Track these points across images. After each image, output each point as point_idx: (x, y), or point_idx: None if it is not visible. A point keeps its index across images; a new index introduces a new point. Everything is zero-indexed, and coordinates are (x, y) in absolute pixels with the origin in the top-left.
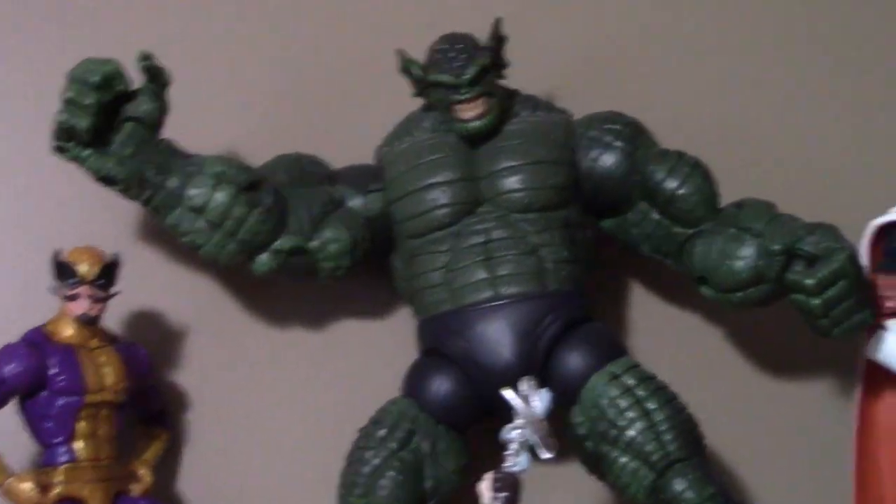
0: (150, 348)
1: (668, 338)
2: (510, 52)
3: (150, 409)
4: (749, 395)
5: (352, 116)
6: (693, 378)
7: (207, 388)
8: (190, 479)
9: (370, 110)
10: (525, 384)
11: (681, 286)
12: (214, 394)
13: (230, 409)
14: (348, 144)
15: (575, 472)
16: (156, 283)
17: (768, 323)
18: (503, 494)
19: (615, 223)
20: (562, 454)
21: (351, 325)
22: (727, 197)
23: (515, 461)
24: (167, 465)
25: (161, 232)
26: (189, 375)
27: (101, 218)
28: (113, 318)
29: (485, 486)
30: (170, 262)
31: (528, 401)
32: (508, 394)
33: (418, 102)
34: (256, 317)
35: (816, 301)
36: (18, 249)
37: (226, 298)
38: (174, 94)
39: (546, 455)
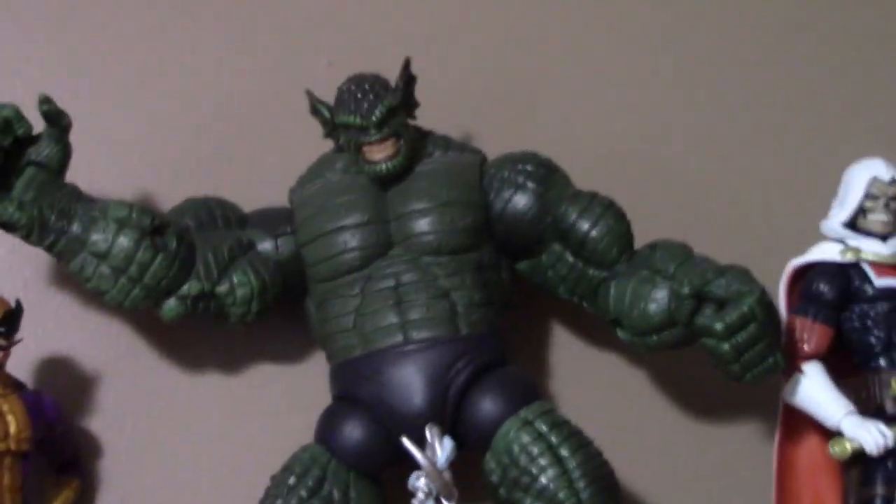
0: (61, 395)
1: (587, 380)
2: (420, 91)
3: (61, 457)
4: (670, 439)
5: (266, 158)
6: (613, 422)
7: (121, 435)
8: None
9: (284, 151)
10: (429, 432)
11: (601, 327)
12: (128, 440)
13: (144, 455)
14: (262, 187)
15: None
16: (66, 329)
17: (690, 365)
18: None
19: (530, 265)
20: (479, 502)
21: (266, 369)
22: (645, 237)
23: None
24: None
25: (70, 277)
26: (102, 421)
27: (4, 263)
28: (22, 365)
29: None
30: (80, 307)
31: (432, 450)
32: (407, 443)
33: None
34: (170, 361)
35: (726, 346)
36: None
37: (139, 343)
38: (81, 137)
39: None
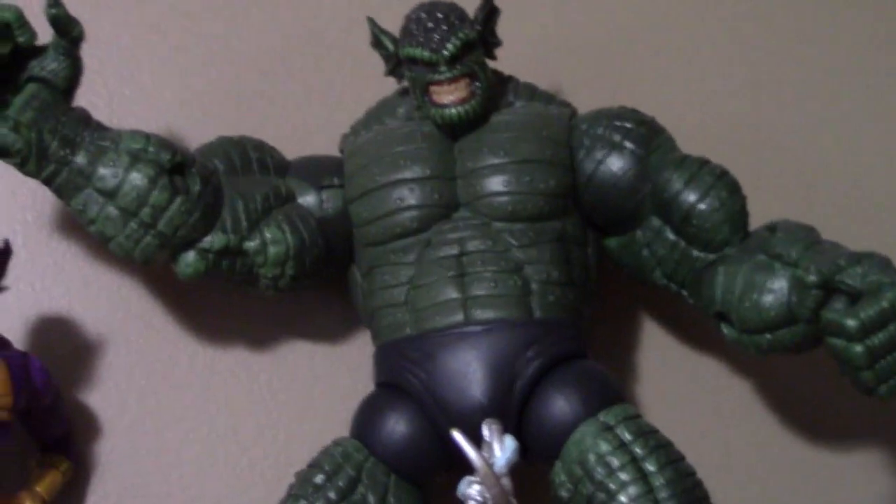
0: (54, 361)
1: (680, 385)
2: (503, 30)
3: (49, 434)
4: (778, 462)
5: (315, 100)
6: (709, 437)
7: (123, 413)
8: None
9: (339, 94)
10: (487, 428)
11: (701, 323)
12: (131, 420)
13: (150, 438)
14: (309, 133)
15: None
16: (67, 285)
17: (805, 372)
18: None
19: (621, 242)
20: None
21: (299, 347)
22: (758, 219)
23: None
24: (69, 502)
25: (79, 225)
26: (101, 397)
27: (2, 204)
28: (11, 322)
29: None
30: (86, 261)
31: (489, 449)
32: (458, 437)
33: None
34: (187, 331)
35: (858, 348)
36: None
37: (151, 306)
38: (102, 61)
39: None
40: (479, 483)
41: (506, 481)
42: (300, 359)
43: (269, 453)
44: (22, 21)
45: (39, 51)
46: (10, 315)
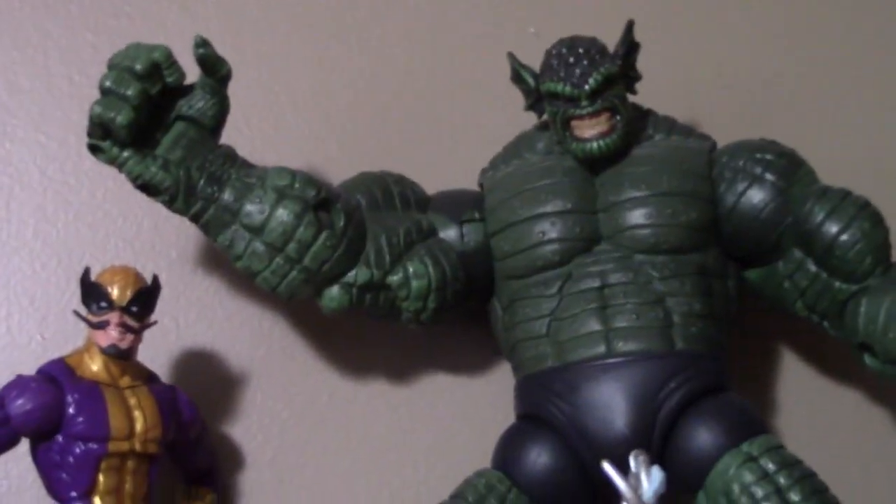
0: (200, 395)
1: (823, 417)
2: (643, 64)
3: (194, 466)
4: None
5: (456, 136)
6: (852, 468)
7: (267, 445)
8: None
9: (475, 128)
10: (634, 459)
11: (844, 354)
12: (274, 451)
13: (292, 470)
14: (450, 168)
15: None
16: (211, 320)
17: None
18: None
19: (762, 274)
20: None
21: (442, 379)
22: None
23: None
24: None
25: (220, 255)
26: (246, 429)
27: (148, 240)
28: (158, 356)
29: None
30: (230, 296)
31: (636, 480)
32: (609, 469)
33: (534, 119)
34: (329, 364)
35: None
36: (43, 267)
37: (294, 340)
38: (245, 100)
39: None
40: None
41: None
42: (440, 391)
43: (410, 485)
44: (171, 61)
45: (187, 90)
46: (156, 350)
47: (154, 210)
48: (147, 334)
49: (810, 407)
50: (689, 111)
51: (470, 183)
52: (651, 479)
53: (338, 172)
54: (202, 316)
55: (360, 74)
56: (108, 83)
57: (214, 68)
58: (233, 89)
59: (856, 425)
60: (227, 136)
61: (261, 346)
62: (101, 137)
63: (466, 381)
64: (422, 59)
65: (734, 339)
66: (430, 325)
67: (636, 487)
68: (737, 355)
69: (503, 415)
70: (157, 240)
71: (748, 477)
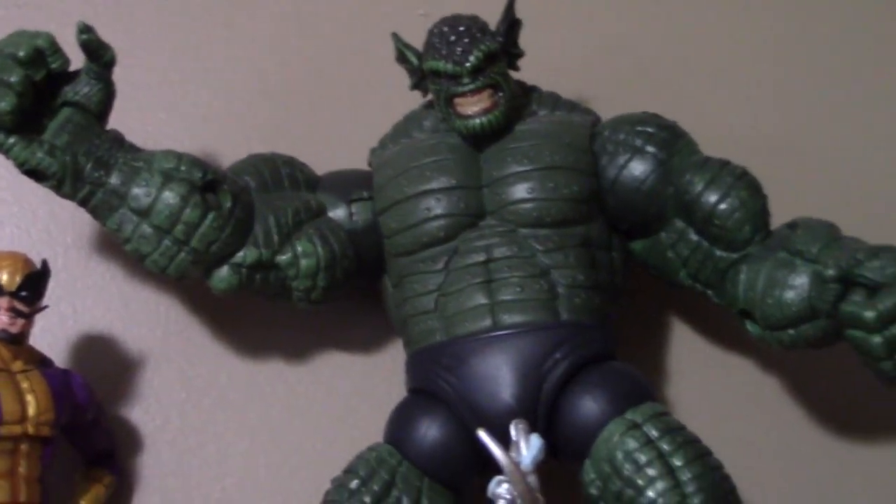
0: (99, 378)
1: (709, 385)
2: (525, 42)
3: (93, 448)
4: (803, 456)
5: (344, 116)
6: (737, 433)
7: (165, 427)
8: None
9: (366, 109)
10: (514, 428)
11: (727, 323)
12: (174, 433)
13: (192, 451)
14: (338, 149)
15: None
16: (108, 304)
17: (832, 368)
18: None
19: (646, 245)
20: None
21: (335, 358)
22: (779, 219)
23: None
24: None
25: (115, 241)
26: (144, 411)
27: (44, 228)
28: (56, 342)
29: None
30: (126, 281)
31: (516, 448)
32: (484, 436)
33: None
34: (226, 347)
35: (877, 339)
36: None
37: (191, 322)
38: (135, 84)
39: None
40: (508, 482)
41: (532, 479)
42: (336, 369)
43: (309, 462)
44: (55, 48)
45: (73, 76)
46: (52, 335)
47: (49, 197)
48: (44, 320)
49: (697, 374)
50: (575, 88)
51: (360, 163)
52: (530, 447)
53: (228, 155)
54: (99, 301)
55: (249, 56)
56: None
57: (98, 54)
58: (122, 73)
59: (741, 391)
60: (117, 121)
61: (157, 328)
62: None
63: (362, 358)
64: (312, 40)
65: (622, 311)
66: (321, 304)
67: (515, 456)
68: (625, 325)
69: (398, 390)
70: (52, 226)
71: (632, 444)
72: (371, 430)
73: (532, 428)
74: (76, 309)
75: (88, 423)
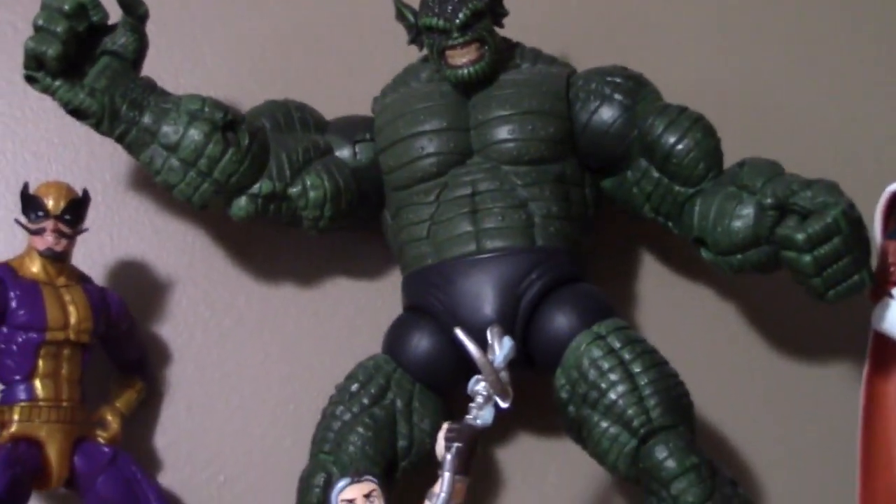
0: (133, 299)
1: (673, 310)
2: (510, 2)
3: (126, 357)
4: (752, 370)
5: (351, 68)
6: (695, 352)
7: (190, 342)
8: (165, 433)
9: (370, 62)
10: (490, 332)
11: (690, 256)
12: (197, 348)
13: (212, 365)
14: (345, 97)
15: (569, 447)
16: (141, 233)
17: (781, 296)
18: (456, 445)
19: (614, 182)
20: (554, 426)
21: (344, 282)
22: (731, 159)
23: (478, 414)
24: (142, 419)
25: (148, 178)
26: (172, 328)
27: (84, 166)
28: (95, 266)
29: (440, 436)
30: (157, 213)
31: (492, 350)
32: (461, 335)
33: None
34: (246, 270)
35: (807, 258)
36: None
37: (215, 251)
38: (167, 40)
39: (503, 404)
40: (485, 380)
41: (504, 374)
42: (341, 292)
43: (317, 374)
44: (95, 2)
45: (111, 28)
46: (92, 260)
47: (90, 138)
48: (84, 247)
49: (662, 301)
50: (552, 44)
51: (364, 109)
52: (503, 347)
53: (248, 101)
54: (133, 230)
55: (269, 18)
56: (40, 21)
57: (133, 8)
58: (154, 27)
59: (700, 316)
60: (153, 73)
61: (184, 256)
62: (36, 69)
63: (364, 283)
64: (324, 3)
65: (595, 244)
66: (328, 232)
67: (491, 354)
68: (598, 259)
69: (396, 311)
70: (93, 164)
71: (596, 352)
72: (371, 347)
73: (502, 330)
74: (113, 237)
75: (122, 335)
